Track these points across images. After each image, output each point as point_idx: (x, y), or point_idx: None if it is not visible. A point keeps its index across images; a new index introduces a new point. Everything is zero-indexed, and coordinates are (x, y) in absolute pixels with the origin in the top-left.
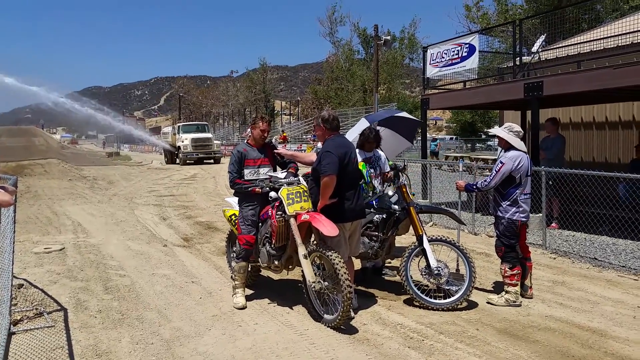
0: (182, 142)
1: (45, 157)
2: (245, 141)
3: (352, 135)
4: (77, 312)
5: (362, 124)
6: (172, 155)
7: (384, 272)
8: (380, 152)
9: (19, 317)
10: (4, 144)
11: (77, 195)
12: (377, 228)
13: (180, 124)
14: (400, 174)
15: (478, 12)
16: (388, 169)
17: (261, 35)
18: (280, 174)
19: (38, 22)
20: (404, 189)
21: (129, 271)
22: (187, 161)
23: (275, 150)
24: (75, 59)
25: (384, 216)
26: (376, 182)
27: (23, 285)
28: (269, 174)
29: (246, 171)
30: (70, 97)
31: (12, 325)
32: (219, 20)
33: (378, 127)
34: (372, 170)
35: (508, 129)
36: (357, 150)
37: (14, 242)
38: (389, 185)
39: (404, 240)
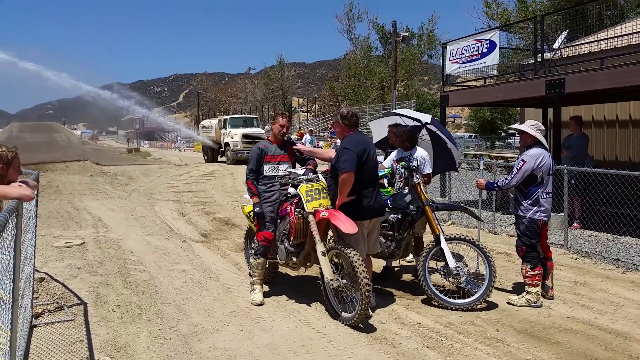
0: (231, 138)
1: (69, 159)
2: (266, 137)
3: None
4: (96, 307)
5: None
6: (213, 153)
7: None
8: (420, 151)
9: (40, 311)
10: (26, 139)
11: (97, 191)
12: (393, 228)
13: (227, 117)
14: (413, 173)
15: (498, 9)
16: (428, 171)
17: (278, 32)
18: (299, 170)
19: (57, 19)
20: (418, 188)
21: (148, 266)
22: (237, 160)
23: (294, 147)
24: (96, 56)
25: (399, 216)
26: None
27: (44, 279)
28: (288, 170)
29: (266, 167)
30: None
31: (33, 318)
32: (237, 17)
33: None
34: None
35: (535, 127)
36: (396, 151)
37: (35, 236)
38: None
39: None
